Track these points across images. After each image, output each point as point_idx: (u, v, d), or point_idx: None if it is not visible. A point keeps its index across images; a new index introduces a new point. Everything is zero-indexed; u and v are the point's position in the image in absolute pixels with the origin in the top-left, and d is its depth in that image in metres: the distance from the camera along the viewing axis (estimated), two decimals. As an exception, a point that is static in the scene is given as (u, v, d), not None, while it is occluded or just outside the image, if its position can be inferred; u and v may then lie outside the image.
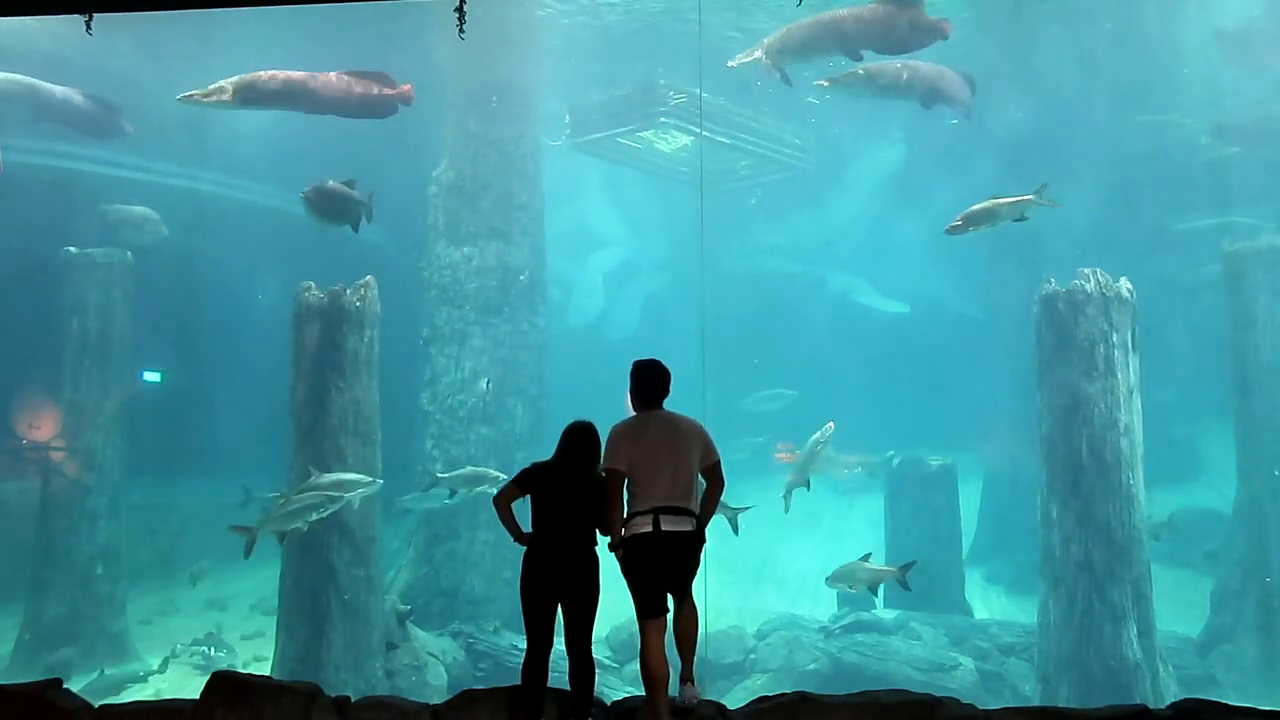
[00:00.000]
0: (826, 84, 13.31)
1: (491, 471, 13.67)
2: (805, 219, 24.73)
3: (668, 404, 5.39)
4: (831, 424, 14.42)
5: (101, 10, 4.87)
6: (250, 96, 12.20)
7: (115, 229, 16.28)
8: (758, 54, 13.61)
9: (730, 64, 14.28)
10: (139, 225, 16.52)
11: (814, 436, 14.41)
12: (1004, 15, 17.23)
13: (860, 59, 13.08)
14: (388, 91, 12.53)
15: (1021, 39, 17.19)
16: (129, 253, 15.37)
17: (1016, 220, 12.54)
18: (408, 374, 15.79)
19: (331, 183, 12.69)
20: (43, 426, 15.66)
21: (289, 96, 12.45)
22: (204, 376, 19.72)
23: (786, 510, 14.01)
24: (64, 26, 13.28)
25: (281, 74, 12.42)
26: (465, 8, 4.66)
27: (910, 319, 25.07)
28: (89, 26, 4.88)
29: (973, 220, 12.64)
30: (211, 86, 12.13)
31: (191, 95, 12.14)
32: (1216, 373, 14.70)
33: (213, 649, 14.50)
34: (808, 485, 14.10)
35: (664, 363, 5.39)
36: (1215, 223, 17.12)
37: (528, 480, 5.21)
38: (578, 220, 23.69)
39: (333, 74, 12.53)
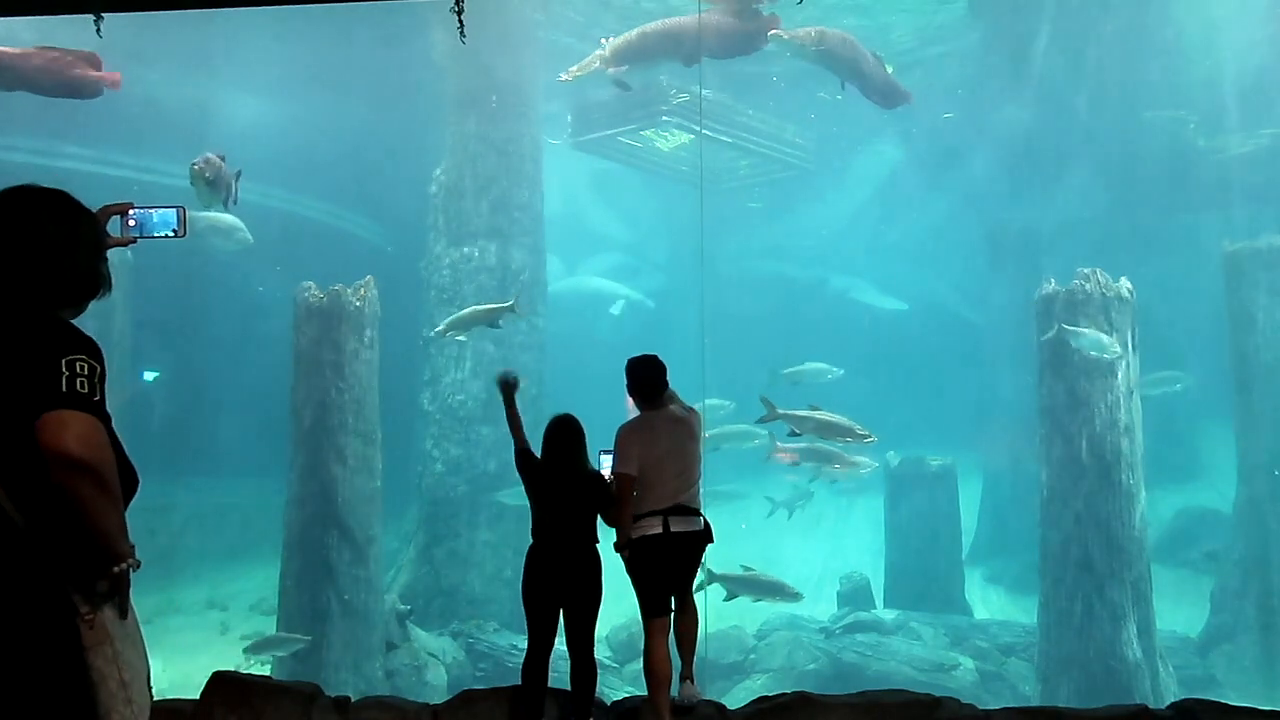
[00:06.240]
0: (784, 35, 13.21)
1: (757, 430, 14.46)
2: (805, 218, 24.72)
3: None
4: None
5: (108, 10, 4.83)
6: None
7: (203, 236, 15.93)
8: (596, 64, 13.76)
9: (563, 77, 14.33)
10: (227, 234, 16.14)
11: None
12: (1003, 14, 17.22)
13: (695, 64, 13.35)
14: (91, 74, 11.41)
15: (1020, 37, 17.17)
16: (129, 253, 15.29)
17: (491, 326, 13.57)
18: (408, 374, 15.78)
19: (213, 156, 12.05)
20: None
21: None
22: (204, 376, 19.69)
23: None
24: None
25: None
26: (464, 10, 4.63)
27: (910, 319, 25.06)
28: (99, 28, 4.83)
29: (453, 326, 13.52)
30: None
31: None
32: (1217, 373, 14.68)
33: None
34: None
35: (659, 357, 5.37)
36: (1215, 222, 17.08)
37: (526, 458, 5.30)
38: (577, 220, 23.67)
39: (29, 49, 11.38)
